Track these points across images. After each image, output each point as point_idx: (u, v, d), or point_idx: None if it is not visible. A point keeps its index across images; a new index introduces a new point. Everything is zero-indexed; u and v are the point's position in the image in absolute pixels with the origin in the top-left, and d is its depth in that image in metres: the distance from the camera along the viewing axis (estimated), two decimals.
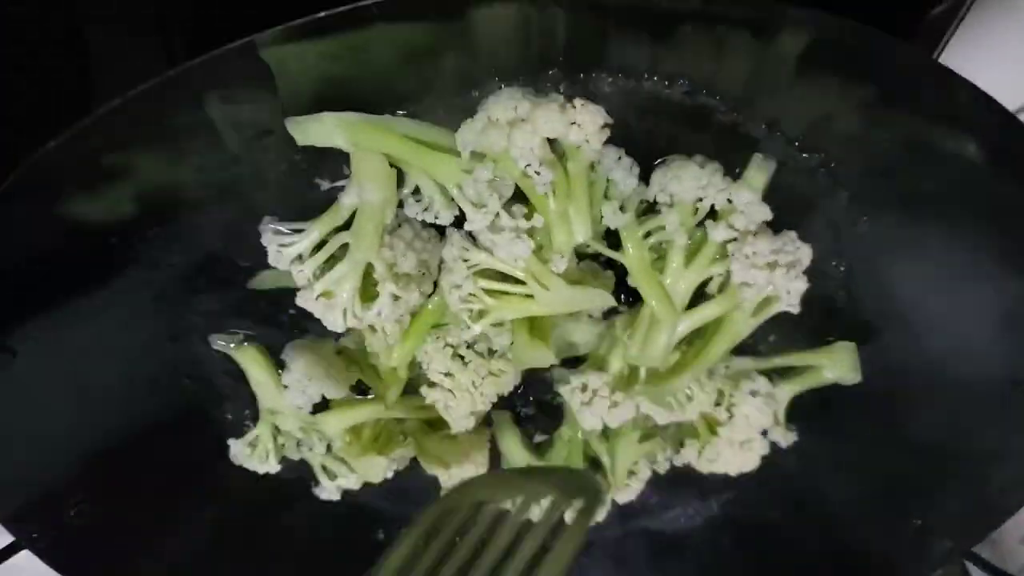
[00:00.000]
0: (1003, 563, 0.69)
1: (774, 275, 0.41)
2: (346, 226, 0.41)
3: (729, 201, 0.41)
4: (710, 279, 0.44)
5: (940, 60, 0.48)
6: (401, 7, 0.32)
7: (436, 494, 0.53)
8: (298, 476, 0.52)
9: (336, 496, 0.52)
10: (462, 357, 0.47)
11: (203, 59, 0.33)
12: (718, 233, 0.41)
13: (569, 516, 0.34)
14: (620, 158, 0.40)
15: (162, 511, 0.50)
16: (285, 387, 0.47)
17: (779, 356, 0.49)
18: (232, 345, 0.47)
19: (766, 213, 0.41)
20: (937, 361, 0.48)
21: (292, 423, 0.49)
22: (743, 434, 0.48)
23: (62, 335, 0.42)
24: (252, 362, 0.47)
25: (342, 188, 0.41)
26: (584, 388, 0.47)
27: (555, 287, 0.42)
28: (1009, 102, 0.43)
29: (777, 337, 0.50)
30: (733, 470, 0.50)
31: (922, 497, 0.51)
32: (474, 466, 0.52)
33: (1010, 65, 0.50)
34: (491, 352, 0.48)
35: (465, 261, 0.41)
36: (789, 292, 0.42)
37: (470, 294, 0.42)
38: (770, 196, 0.42)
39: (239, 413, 0.51)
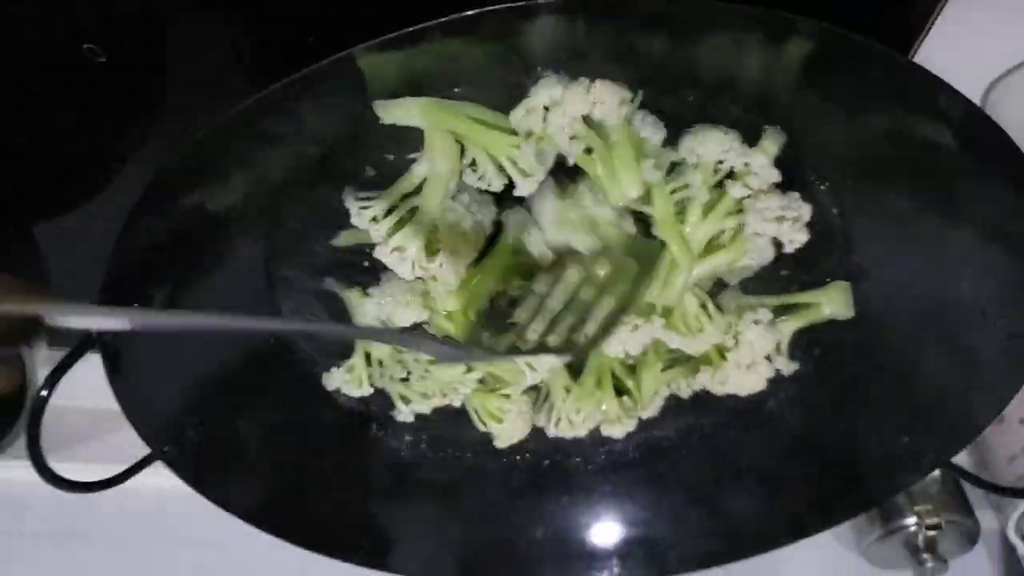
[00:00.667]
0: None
1: (781, 227, 0.49)
2: (415, 192, 0.50)
3: (746, 164, 0.48)
4: (723, 231, 0.52)
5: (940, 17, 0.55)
6: (465, 26, 0.39)
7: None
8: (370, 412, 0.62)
9: (410, 418, 0.61)
10: None
11: (304, 73, 0.40)
12: (736, 190, 0.49)
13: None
14: (644, 117, 0.48)
15: (259, 435, 0.59)
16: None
17: (782, 296, 0.57)
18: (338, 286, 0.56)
19: (776, 176, 0.49)
20: (919, 300, 0.56)
21: (383, 350, 0.58)
22: (748, 358, 0.56)
23: (187, 288, 0.51)
24: (355, 299, 0.56)
25: (409, 161, 0.49)
26: None
27: None
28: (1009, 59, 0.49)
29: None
30: (742, 391, 0.57)
31: (908, 417, 0.59)
32: (523, 422, 0.61)
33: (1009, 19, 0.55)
34: None
35: None
36: (791, 241, 0.50)
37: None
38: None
39: (321, 351, 0.60)
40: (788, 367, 0.58)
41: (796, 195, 0.50)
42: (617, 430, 0.61)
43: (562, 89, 0.45)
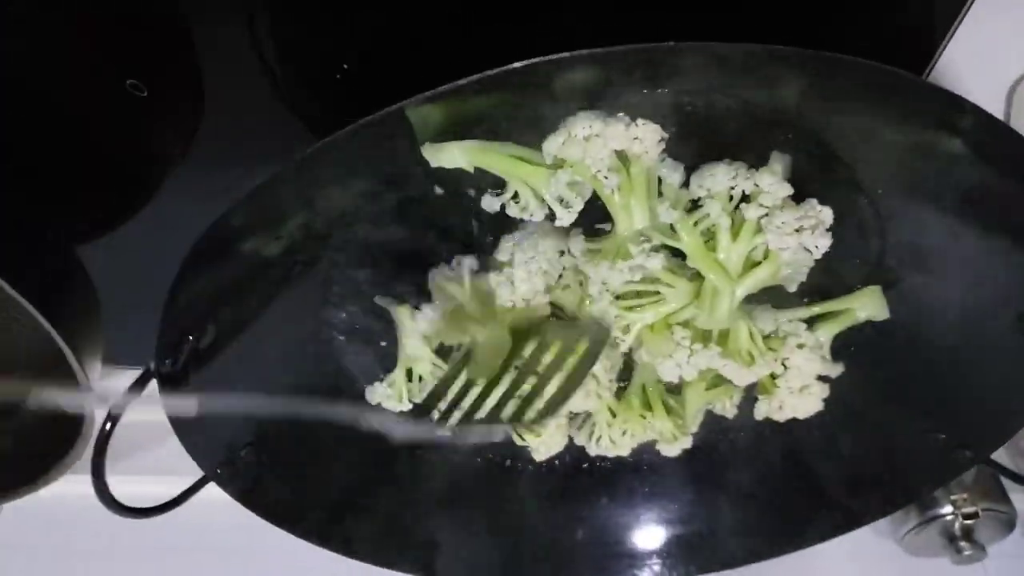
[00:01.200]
0: None
1: (802, 237, 0.49)
2: None
3: (756, 185, 0.49)
4: (755, 248, 0.52)
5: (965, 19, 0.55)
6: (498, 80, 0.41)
7: None
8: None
9: (449, 432, 0.62)
10: None
11: (354, 127, 0.41)
12: (751, 212, 0.49)
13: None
14: (665, 159, 0.49)
15: (310, 453, 0.61)
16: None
17: (816, 305, 0.57)
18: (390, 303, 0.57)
19: (788, 189, 0.49)
20: (953, 301, 0.56)
21: (425, 367, 0.59)
22: (799, 382, 0.56)
23: (246, 320, 0.53)
24: (404, 315, 0.57)
25: None
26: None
27: (677, 283, 0.52)
28: None
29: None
30: (801, 414, 0.58)
31: (943, 417, 0.60)
32: (560, 436, 0.62)
33: None
34: None
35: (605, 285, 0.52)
36: (817, 247, 0.50)
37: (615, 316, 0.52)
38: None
39: (367, 371, 0.61)
40: (835, 371, 0.58)
41: (813, 201, 0.50)
42: (674, 449, 0.62)
43: (602, 122, 0.46)
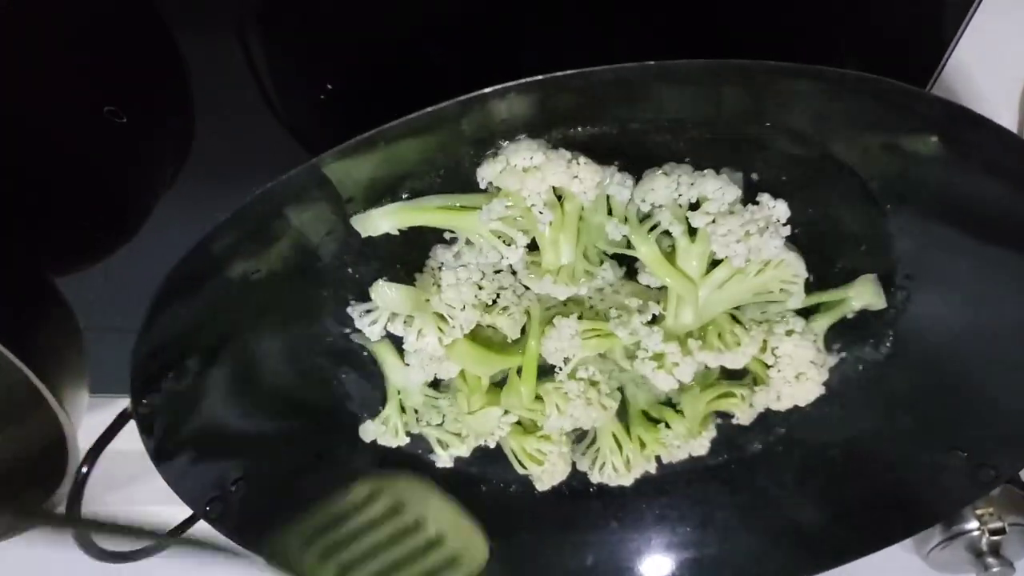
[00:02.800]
0: None
1: (751, 242, 0.47)
2: None
3: (701, 192, 0.47)
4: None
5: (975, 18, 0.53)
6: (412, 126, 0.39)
7: None
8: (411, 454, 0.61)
9: (450, 463, 0.60)
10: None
11: (279, 180, 0.41)
12: (698, 220, 0.47)
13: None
14: (613, 175, 0.47)
15: (300, 486, 0.59)
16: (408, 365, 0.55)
17: (808, 296, 0.54)
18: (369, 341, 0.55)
19: (735, 192, 0.47)
20: (969, 310, 0.54)
21: (416, 399, 0.57)
22: (792, 370, 0.54)
23: (225, 352, 0.51)
24: (386, 351, 0.56)
25: None
26: (651, 355, 0.53)
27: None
28: None
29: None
30: (801, 401, 0.56)
31: (966, 434, 0.57)
32: (564, 464, 0.60)
33: None
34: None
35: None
36: (773, 247, 0.48)
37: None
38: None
39: (359, 399, 0.60)
40: (830, 361, 0.56)
41: (765, 197, 0.48)
42: (699, 446, 0.60)
43: (543, 154, 0.44)
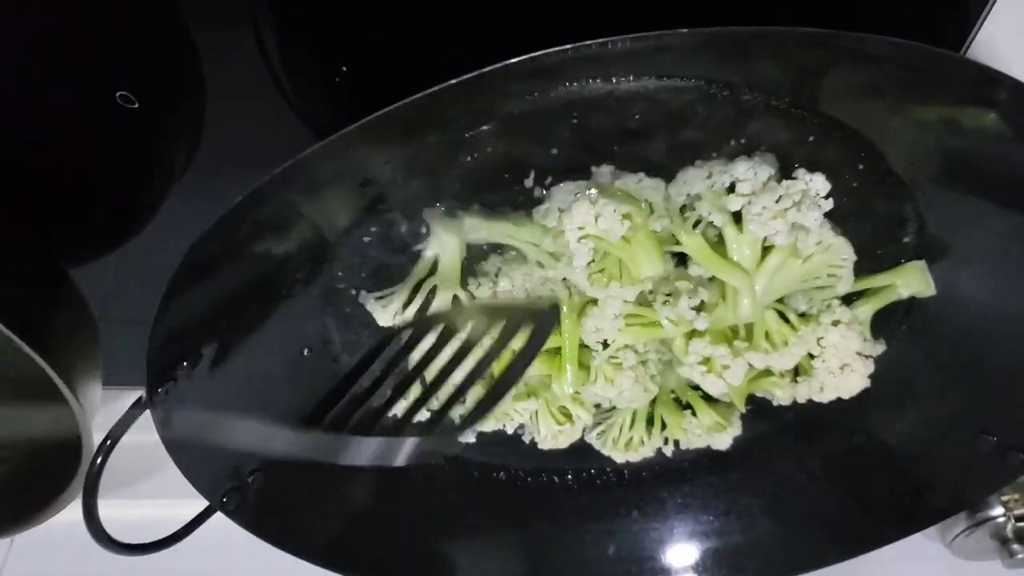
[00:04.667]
0: None
1: (788, 217, 0.46)
2: (430, 274, 0.51)
3: (733, 176, 0.46)
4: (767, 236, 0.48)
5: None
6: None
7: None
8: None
9: (472, 438, 0.61)
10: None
11: (298, 158, 0.40)
12: (733, 203, 0.46)
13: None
14: (640, 180, 0.48)
15: (319, 476, 0.56)
16: None
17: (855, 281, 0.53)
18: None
19: (767, 171, 0.46)
20: (998, 291, 0.52)
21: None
22: (838, 361, 0.53)
23: (240, 341, 0.50)
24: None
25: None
26: (700, 359, 0.53)
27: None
28: None
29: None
30: (846, 393, 0.55)
31: (995, 417, 0.56)
32: (577, 433, 0.59)
33: None
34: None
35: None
36: (815, 220, 0.47)
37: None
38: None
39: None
40: (875, 350, 0.55)
41: (800, 171, 0.47)
42: (725, 439, 0.60)
43: (571, 198, 0.47)
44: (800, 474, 0.64)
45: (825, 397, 0.55)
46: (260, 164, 0.55)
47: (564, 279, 0.52)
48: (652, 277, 0.49)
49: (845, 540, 0.63)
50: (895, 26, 0.50)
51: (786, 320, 0.52)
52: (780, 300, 0.53)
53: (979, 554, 0.81)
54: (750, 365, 0.52)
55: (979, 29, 0.51)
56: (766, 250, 0.49)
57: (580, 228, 0.46)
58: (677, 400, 0.59)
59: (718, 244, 0.49)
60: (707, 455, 0.63)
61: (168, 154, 0.58)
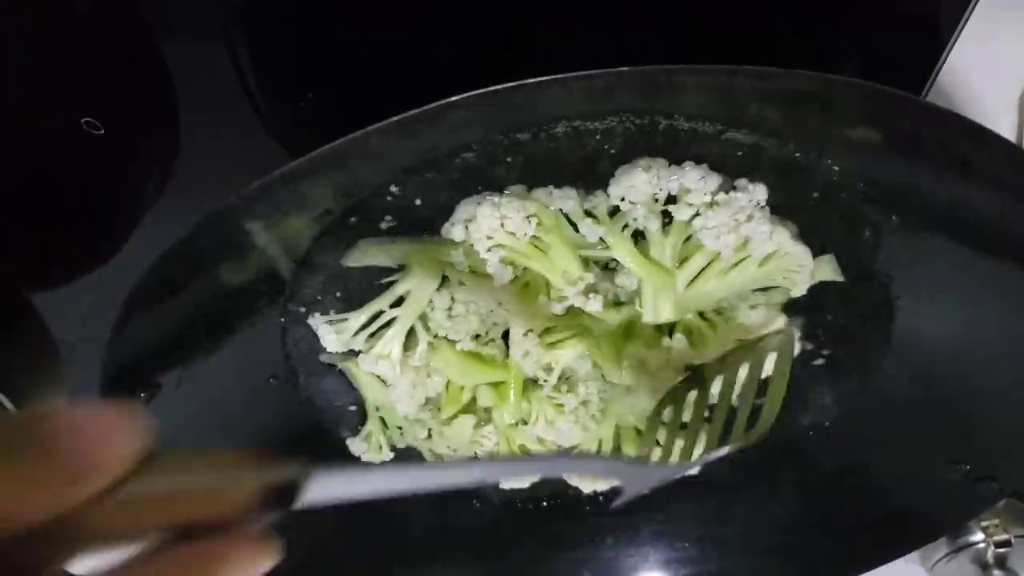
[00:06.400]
0: None
1: (740, 231, 0.46)
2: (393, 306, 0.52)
3: (681, 184, 0.46)
4: (690, 237, 0.49)
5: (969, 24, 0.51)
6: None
7: None
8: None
9: None
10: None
11: (247, 189, 0.40)
12: (681, 213, 0.46)
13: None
14: (551, 192, 0.47)
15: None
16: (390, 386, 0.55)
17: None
18: (340, 361, 0.55)
19: (716, 181, 0.46)
20: (966, 322, 0.52)
21: (397, 416, 0.57)
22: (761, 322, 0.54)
23: (198, 368, 0.49)
24: (354, 369, 0.55)
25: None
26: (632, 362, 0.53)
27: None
28: None
29: None
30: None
31: (964, 446, 0.56)
32: None
33: None
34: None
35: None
36: (759, 233, 0.47)
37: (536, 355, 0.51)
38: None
39: (345, 416, 0.58)
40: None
41: (743, 183, 0.47)
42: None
43: (475, 206, 0.47)
44: (773, 503, 0.63)
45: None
46: (235, 184, 0.56)
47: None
48: (574, 280, 0.49)
49: (821, 568, 0.63)
50: (863, 58, 0.51)
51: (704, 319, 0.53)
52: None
53: None
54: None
55: (944, 62, 0.51)
56: (685, 252, 0.49)
57: (489, 237, 0.47)
58: (639, 432, 0.59)
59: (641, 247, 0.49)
60: (680, 482, 0.62)
61: (139, 179, 0.58)
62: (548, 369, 0.53)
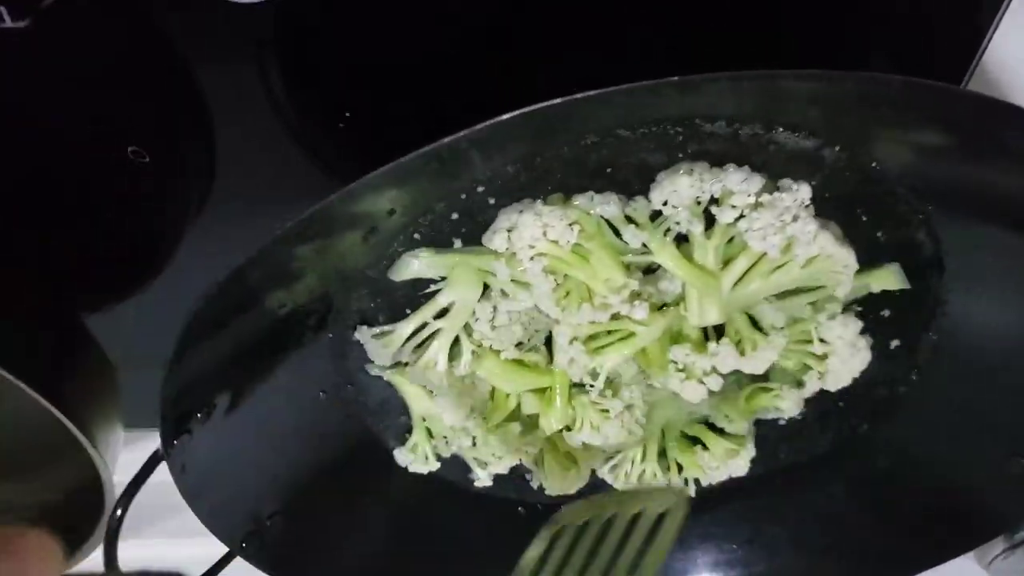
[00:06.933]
0: None
1: (786, 231, 0.46)
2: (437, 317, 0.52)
3: (723, 186, 0.45)
4: (732, 239, 0.48)
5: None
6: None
7: None
8: (450, 476, 0.60)
9: (489, 482, 0.60)
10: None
11: (301, 217, 0.41)
12: (725, 215, 0.46)
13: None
14: (592, 198, 0.47)
15: (339, 517, 0.58)
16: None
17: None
18: (387, 374, 0.55)
19: (758, 182, 0.45)
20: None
21: (442, 425, 0.57)
22: (847, 347, 0.53)
23: (253, 388, 0.51)
24: (404, 382, 0.56)
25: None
26: (678, 366, 0.52)
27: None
28: None
29: None
30: (855, 374, 0.54)
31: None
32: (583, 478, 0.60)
33: None
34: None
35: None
36: (804, 233, 0.46)
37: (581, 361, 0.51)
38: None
39: (392, 427, 0.59)
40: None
41: (787, 182, 0.46)
42: (741, 464, 0.59)
43: (516, 215, 0.46)
44: (825, 501, 0.62)
45: (836, 385, 0.54)
46: (272, 204, 0.56)
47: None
48: (617, 288, 0.48)
49: (872, 569, 0.62)
50: (899, 49, 0.50)
51: (758, 328, 0.53)
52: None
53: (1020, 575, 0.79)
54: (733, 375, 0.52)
55: (985, 50, 0.50)
56: (728, 255, 0.49)
57: (531, 246, 0.46)
58: (687, 438, 0.59)
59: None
60: (729, 483, 0.62)
61: (181, 200, 0.59)
62: (594, 374, 0.52)
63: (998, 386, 0.55)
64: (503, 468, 0.59)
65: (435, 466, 0.58)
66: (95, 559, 0.52)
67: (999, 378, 0.54)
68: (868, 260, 0.51)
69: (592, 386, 0.53)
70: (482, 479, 0.60)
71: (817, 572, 0.64)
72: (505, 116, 0.36)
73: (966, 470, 0.58)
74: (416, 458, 0.58)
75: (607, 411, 0.55)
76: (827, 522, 0.63)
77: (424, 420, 0.57)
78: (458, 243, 0.49)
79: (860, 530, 0.62)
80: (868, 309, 0.54)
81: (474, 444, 0.58)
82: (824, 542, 0.63)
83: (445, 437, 0.57)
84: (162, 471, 0.48)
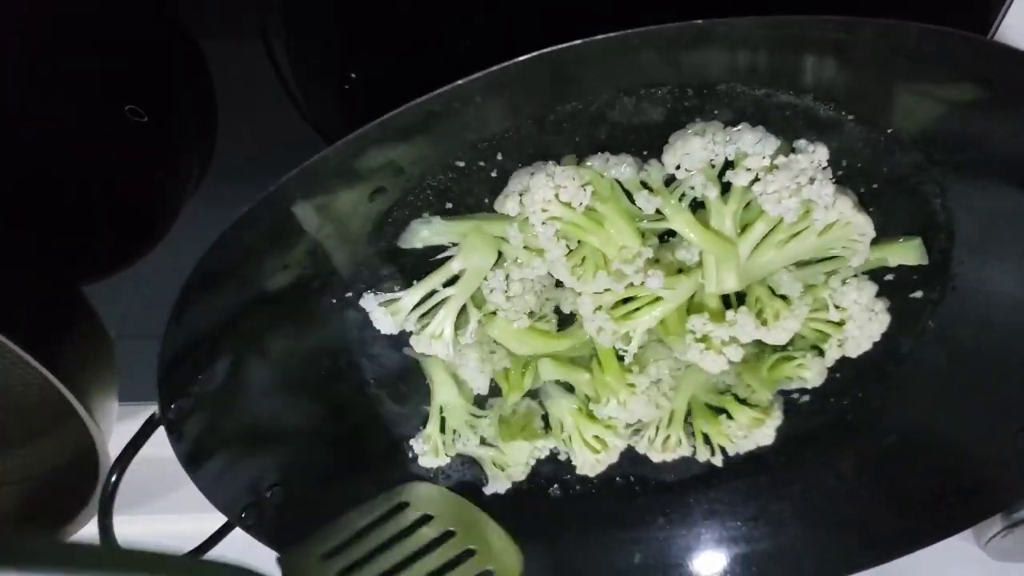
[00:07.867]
0: None
1: (802, 194, 0.45)
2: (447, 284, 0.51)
3: (737, 148, 0.44)
4: (749, 204, 0.47)
5: None
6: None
7: None
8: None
9: (507, 485, 0.60)
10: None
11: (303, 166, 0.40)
12: (740, 178, 0.45)
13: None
14: (607, 160, 0.46)
15: (340, 490, 0.57)
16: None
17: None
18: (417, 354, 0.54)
19: (774, 143, 0.44)
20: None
21: (458, 418, 0.56)
22: (863, 312, 0.52)
23: (255, 355, 0.50)
24: (437, 366, 0.55)
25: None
26: (696, 336, 0.51)
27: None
28: None
29: None
30: (876, 337, 0.53)
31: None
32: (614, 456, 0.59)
33: None
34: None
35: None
36: (822, 197, 0.45)
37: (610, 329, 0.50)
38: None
39: (400, 412, 0.59)
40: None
41: (801, 144, 0.45)
42: (768, 432, 0.58)
43: (528, 177, 0.45)
44: (829, 478, 0.62)
45: (857, 351, 0.54)
46: (274, 173, 0.55)
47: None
48: (632, 257, 0.48)
49: (877, 544, 0.62)
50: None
51: (780, 296, 0.52)
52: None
53: (1016, 555, 0.79)
54: (752, 346, 0.52)
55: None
56: (746, 220, 0.48)
57: (544, 210, 0.45)
58: (711, 408, 0.58)
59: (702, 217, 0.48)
60: (732, 460, 0.62)
61: (181, 167, 0.58)
62: (627, 339, 0.51)
63: (1007, 361, 0.54)
64: (521, 474, 0.60)
65: (444, 461, 0.57)
66: (90, 530, 0.51)
67: (1009, 352, 0.54)
68: (881, 231, 0.49)
69: (626, 351, 0.52)
70: (501, 482, 0.60)
71: (821, 549, 0.63)
72: (519, 59, 0.35)
73: (974, 445, 0.58)
74: (428, 450, 0.57)
75: (633, 386, 0.54)
76: (832, 500, 0.62)
77: (441, 411, 0.57)
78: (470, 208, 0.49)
79: (865, 506, 0.62)
80: (872, 278, 0.53)
81: (483, 442, 0.58)
82: (828, 520, 0.63)
83: (455, 431, 0.57)
84: (154, 445, 0.47)
